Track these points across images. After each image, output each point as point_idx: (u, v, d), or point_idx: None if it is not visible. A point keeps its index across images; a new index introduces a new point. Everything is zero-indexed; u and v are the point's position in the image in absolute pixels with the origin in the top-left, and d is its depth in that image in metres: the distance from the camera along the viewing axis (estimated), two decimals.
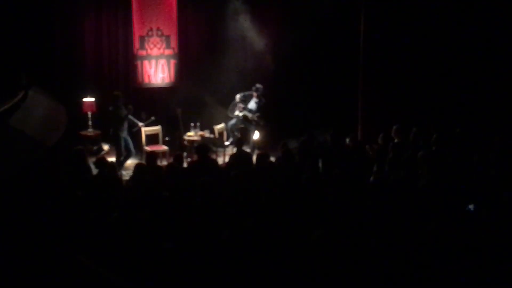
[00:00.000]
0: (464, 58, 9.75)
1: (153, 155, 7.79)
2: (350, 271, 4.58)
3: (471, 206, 5.80)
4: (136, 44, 10.92)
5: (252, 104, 10.47)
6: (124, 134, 9.31)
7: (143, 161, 9.03)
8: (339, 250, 4.75)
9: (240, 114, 10.42)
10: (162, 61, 11.17)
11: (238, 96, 10.46)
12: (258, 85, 10.43)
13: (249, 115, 10.39)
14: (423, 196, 6.15)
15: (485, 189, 6.28)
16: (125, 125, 9.38)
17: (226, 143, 10.36)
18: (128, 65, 11.13)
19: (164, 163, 9.53)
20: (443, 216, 5.57)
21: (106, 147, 10.18)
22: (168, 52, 11.15)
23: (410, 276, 4.58)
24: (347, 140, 8.47)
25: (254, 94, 10.40)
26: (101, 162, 7.26)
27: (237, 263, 4.66)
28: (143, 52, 11.01)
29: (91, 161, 8.85)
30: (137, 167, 7.22)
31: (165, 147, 10.01)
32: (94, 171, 7.65)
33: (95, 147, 10.15)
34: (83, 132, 10.23)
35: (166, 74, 11.24)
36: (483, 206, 5.81)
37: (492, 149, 7.66)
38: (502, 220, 5.47)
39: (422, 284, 4.56)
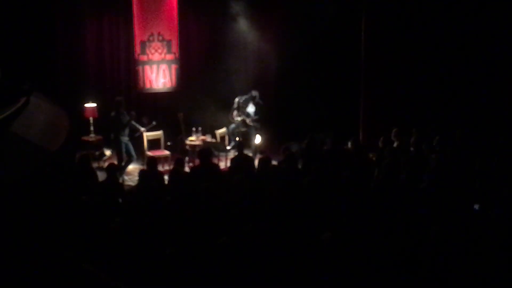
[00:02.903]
0: (465, 60, 9.75)
1: (153, 160, 7.80)
2: (354, 273, 4.58)
3: (476, 206, 5.81)
4: (137, 49, 10.95)
5: (250, 108, 10.47)
6: (125, 139, 9.31)
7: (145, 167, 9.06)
8: (343, 253, 4.75)
9: (239, 119, 10.43)
10: (164, 66, 11.18)
11: (236, 100, 10.47)
12: (254, 93, 10.43)
13: (247, 119, 10.39)
14: (426, 198, 6.15)
15: (487, 190, 6.28)
16: (126, 130, 9.38)
17: (228, 147, 10.36)
18: (129, 70, 11.15)
19: (166, 168, 9.53)
20: (447, 217, 5.57)
21: (108, 152, 10.19)
22: (169, 57, 11.18)
23: (414, 276, 4.58)
24: (349, 144, 8.47)
25: (251, 101, 10.42)
26: (112, 168, 7.26)
27: (239, 267, 4.65)
28: (144, 57, 11.04)
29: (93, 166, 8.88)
30: (141, 173, 7.24)
31: (167, 152, 10.01)
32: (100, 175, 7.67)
33: (97, 152, 10.16)
34: (85, 138, 10.23)
35: (167, 79, 11.26)
36: (487, 206, 5.82)
37: (494, 150, 7.66)
38: (506, 220, 5.48)
39: (426, 284, 4.56)
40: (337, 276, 4.55)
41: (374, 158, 8.34)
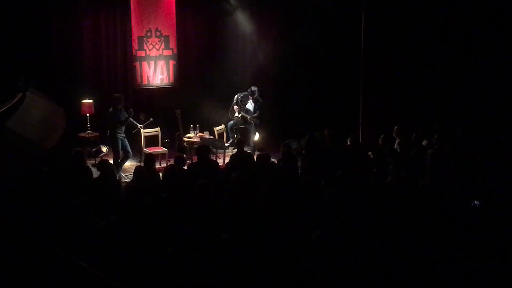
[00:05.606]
0: (465, 58, 9.71)
1: (150, 158, 7.74)
2: (349, 272, 4.54)
3: (476, 202, 5.78)
4: (135, 45, 10.87)
5: (249, 105, 10.41)
6: (121, 136, 9.24)
7: (142, 164, 9.00)
8: (338, 252, 4.72)
9: (239, 115, 10.37)
10: (161, 62, 11.11)
11: (236, 97, 10.41)
12: (253, 88, 10.34)
13: (247, 116, 10.33)
14: (425, 196, 6.11)
15: (488, 187, 6.25)
16: (123, 127, 9.32)
17: (226, 144, 10.30)
18: (126, 66, 11.08)
19: (164, 164, 9.47)
20: (445, 216, 5.54)
21: (104, 149, 10.13)
22: (167, 52, 11.09)
23: (410, 276, 4.54)
24: (348, 141, 8.42)
25: (250, 97, 10.35)
26: (103, 165, 7.19)
27: (236, 265, 4.61)
28: (142, 53, 10.95)
29: (89, 163, 8.81)
30: (137, 170, 7.18)
31: (164, 149, 9.95)
32: (95, 172, 7.61)
33: (93, 149, 10.10)
34: (82, 134, 10.17)
35: (165, 75, 11.19)
36: (488, 203, 5.79)
37: (495, 149, 7.64)
38: (505, 217, 5.45)
39: (423, 284, 4.52)
40: (334, 275, 4.51)
41: (372, 156, 8.30)
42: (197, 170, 7.30)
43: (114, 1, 10.89)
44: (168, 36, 11.02)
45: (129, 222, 5.46)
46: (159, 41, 10.97)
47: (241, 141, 8.51)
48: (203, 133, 10.21)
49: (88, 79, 10.80)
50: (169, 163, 8.55)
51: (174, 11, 10.99)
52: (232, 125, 10.43)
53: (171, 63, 11.18)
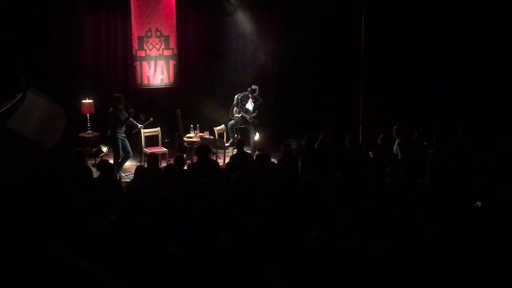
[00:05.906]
0: (465, 58, 9.70)
1: (154, 157, 7.74)
2: (349, 272, 4.54)
3: (478, 203, 5.78)
4: (135, 45, 10.87)
5: (249, 104, 10.41)
6: (122, 135, 9.25)
7: (143, 163, 9.00)
8: (338, 251, 4.72)
9: (239, 115, 10.37)
10: (161, 62, 11.11)
11: (236, 97, 10.41)
12: (254, 87, 10.34)
13: (246, 115, 10.33)
14: (425, 195, 6.12)
15: (488, 187, 6.25)
16: (124, 126, 9.32)
17: (226, 144, 10.30)
18: (127, 66, 11.08)
19: (164, 164, 9.47)
20: (445, 216, 5.54)
21: (105, 149, 10.12)
22: (167, 52, 11.10)
23: (410, 276, 4.54)
24: (346, 140, 8.42)
25: (250, 95, 10.34)
26: (103, 165, 7.19)
27: (237, 265, 4.61)
28: (142, 53, 10.96)
29: (90, 163, 8.81)
30: (138, 169, 7.18)
31: (164, 149, 9.95)
32: (95, 172, 7.61)
33: (93, 149, 10.10)
34: (82, 134, 10.17)
35: (165, 75, 11.19)
36: (489, 203, 5.80)
37: (496, 149, 7.64)
38: (505, 217, 5.45)
39: (423, 284, 4.52)
40: (334, 275, 4.51)
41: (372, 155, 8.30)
42: (197, 170, 7.29)
43: (114, 1, 10.89)
44: (168, 36, 11.03)
45: (130, 222, 5.46)
46: (159, 41, 10.98)
47: (242, 141, 8.51)
48: (203, 133, 10.21)
49: (88, 79, 10.79)
50: (169, 163, 8.55)
51: (174, 11, 11.00)
52: (232, 125, 10.42)
53: (171, 63, 11.19)
